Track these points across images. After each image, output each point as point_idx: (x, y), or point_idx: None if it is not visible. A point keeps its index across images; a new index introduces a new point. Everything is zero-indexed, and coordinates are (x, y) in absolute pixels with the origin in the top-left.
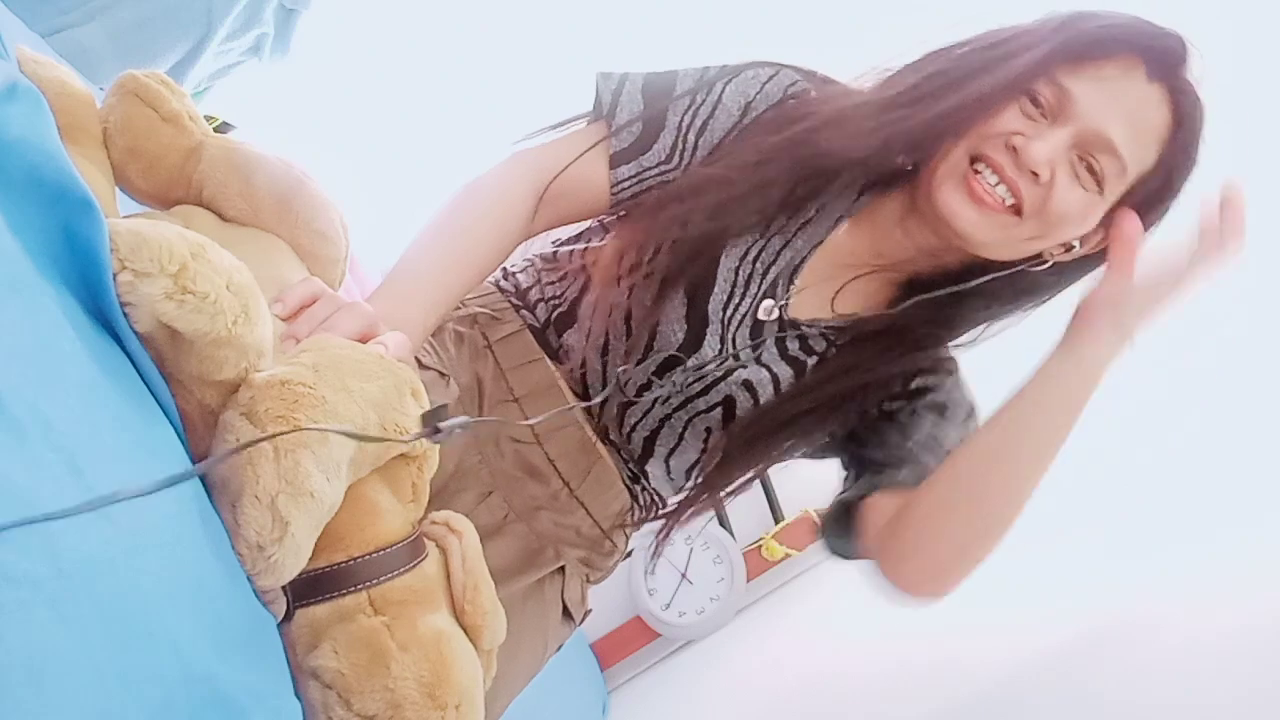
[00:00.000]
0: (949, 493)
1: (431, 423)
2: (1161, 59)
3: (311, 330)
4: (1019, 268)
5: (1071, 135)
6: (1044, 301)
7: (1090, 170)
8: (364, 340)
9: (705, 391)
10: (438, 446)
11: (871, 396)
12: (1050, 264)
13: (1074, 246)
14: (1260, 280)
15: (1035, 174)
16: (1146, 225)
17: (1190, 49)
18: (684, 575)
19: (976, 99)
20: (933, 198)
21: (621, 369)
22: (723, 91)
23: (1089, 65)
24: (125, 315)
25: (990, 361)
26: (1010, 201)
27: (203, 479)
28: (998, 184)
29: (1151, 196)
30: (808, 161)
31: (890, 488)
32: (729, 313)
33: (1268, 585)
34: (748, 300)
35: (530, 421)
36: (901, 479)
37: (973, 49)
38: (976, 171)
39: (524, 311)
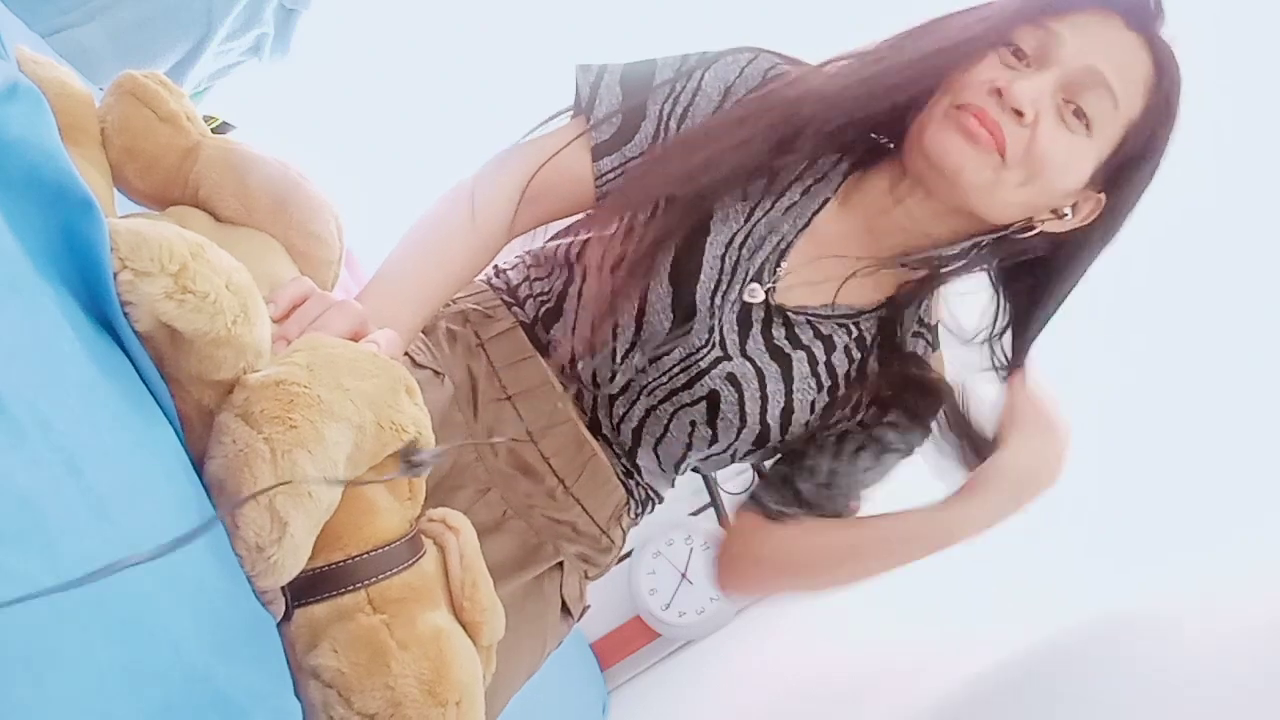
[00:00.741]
0: (801, 556)
1: (406, 457)
2: (1136, 12)
3: (303, 330)
4: (1007, 232)
5: (1057, 77)
6: (1036, 287)
7: (1078, 115)
8: (355, 338)
9: (690, 385)
10: (432, 442)
11: (859, 406)
12: (1038, 231)
13: (1065, 215)
14: (1261, 280)
15: (1019, 113)
16: (1137, 183)
17: (1163, 9)
18: (684, 575)
19: (953, 43)
20: (922, 145)
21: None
22: (703, 78)
23: (1068, 14)
24: (125, 315)
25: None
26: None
27: (200, 477)
28: (982, 129)
29: (1139, 153)
30: (784, 116)
31: (777, 510)
32: (717, 300)
33: (1268, 586)
34: (735, 286)
35: (497, 440)
36: (792, 511)
37: (949, 13)
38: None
39: (515, 308)
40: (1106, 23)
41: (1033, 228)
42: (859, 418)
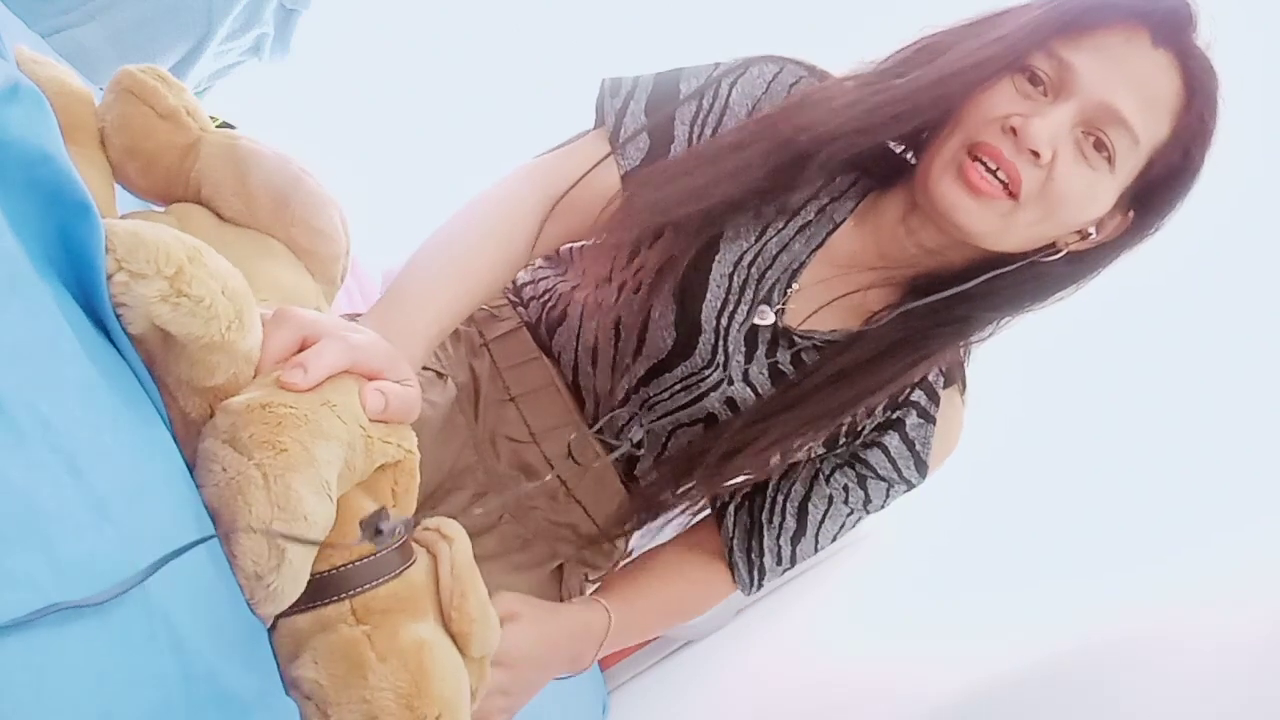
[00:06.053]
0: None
1: (372, 526)
2: (1166, 24)
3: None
4: (1027, 260)
5: (1075, 111)
6: (1061, 295)
7: (1098, 146)
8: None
9: (689, 405)
10: (418, 455)
11: (855, 414)
12: (1064, 253)
13: (1090, 233)
14: (1261, 280)
15: (1035, 153)
16: (1168, 204)
17: (1198, 12)
18: None
19: (965, 66)
20: (929, 191)
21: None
22: (730, 93)
23: (1088, 35)
24: (118, 317)
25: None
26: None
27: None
28: (996, 170)
29: (1170, 172)
30: (785, 139)
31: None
32: (723, 320)
33: (1269, 589)
34: (743, 307)
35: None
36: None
37: (962, 24)
38: (975, 160)
39: (520, 309)
40: (1130, 44)
41: (1058, 250)
42: (853, 439)
